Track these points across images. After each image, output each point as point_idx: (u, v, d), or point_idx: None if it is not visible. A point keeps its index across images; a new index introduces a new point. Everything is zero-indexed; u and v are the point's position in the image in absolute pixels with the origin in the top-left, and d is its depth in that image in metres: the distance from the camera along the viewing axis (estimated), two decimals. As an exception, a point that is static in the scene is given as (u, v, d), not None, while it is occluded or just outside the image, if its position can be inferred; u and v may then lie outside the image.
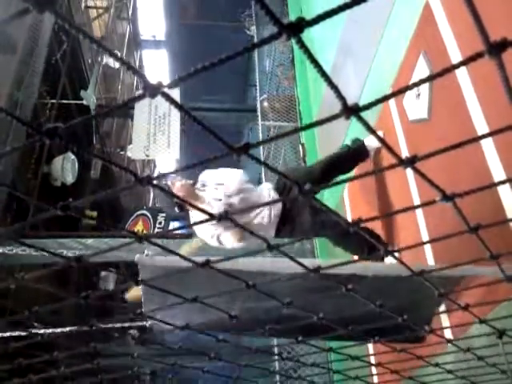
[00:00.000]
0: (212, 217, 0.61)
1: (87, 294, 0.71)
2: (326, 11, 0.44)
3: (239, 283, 0.83)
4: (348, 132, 4.48)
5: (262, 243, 0.69)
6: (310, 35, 5.76)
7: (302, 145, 6.60)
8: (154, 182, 0.53)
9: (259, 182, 4.30)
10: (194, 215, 3.32)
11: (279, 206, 3.29)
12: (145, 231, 7.40)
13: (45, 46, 6.15)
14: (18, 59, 5.68)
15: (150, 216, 7.67)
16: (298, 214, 3.26)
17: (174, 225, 7.44)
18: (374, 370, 1.97)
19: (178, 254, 0.72)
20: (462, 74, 2.65)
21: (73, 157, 6.93)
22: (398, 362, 1.42)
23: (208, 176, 3.36)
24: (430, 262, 2.95)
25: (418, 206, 0.82)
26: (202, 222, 0.61)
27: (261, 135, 7.24)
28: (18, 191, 0.57)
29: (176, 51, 13.77)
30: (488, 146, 2.44)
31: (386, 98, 0.52)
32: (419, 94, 3.14)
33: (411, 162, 0.54)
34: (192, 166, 0.57)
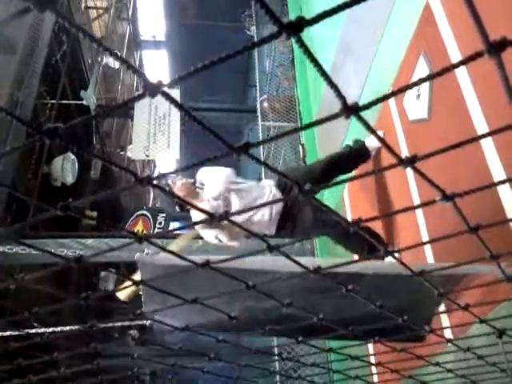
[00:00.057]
0: (211, 216, 0.61)
1: (87, 295, 0.71)
2: (325, 10, 0.44)
3: (239, 283, 0.83)
4: (348, 132, 4.48)
5: (261, 242, 0.69)
6: (309, 34, 5.76)
7: (302, 145, 6.60)
8: (154, 182, 0.52)
9: (259, 180, 4.30)
10: (195, 214, 3.33)
11: (280, 204, 3.29)
12: (145, 231, 7.40)
13: (45, 46, 6.15)
14: (19, 59, 5.68)
15: (150, 216, 7.67)
16: (299, 211, 3.26)
17: (174, 225, 7.44)
18: (374, 369, 1.98)
19: (177, 255, 0.72)
20: (461, 73, 2.65)
21: (73, 157, 6.93)
22: (398, 362, 1.42)
23: (204, 174, 3.36)
24: (430, 261, 2.95)
25: (418, 206, 0.82)
26: (201, 221, 0.61)
27: (261, 135, 7.24)
28: (18, 191, 0.57)
29: (176, 51, 13.78)
30: (488, 145, 2.44)
31: (385, 98, 0.52)
32: (419, 94, 3.14)
33: (411, 161, 0.54)
34: (192, 166, 0.57)
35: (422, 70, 3.11)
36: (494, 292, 2.06)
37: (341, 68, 4.92)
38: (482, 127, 2.50)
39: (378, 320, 1.11)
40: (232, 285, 0.82)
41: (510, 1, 2.39)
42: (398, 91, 0.52)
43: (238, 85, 14.32)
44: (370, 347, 3.32)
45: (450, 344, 1.35)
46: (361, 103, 0.48)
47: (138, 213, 7.85)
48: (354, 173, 3.74)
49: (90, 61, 8.16)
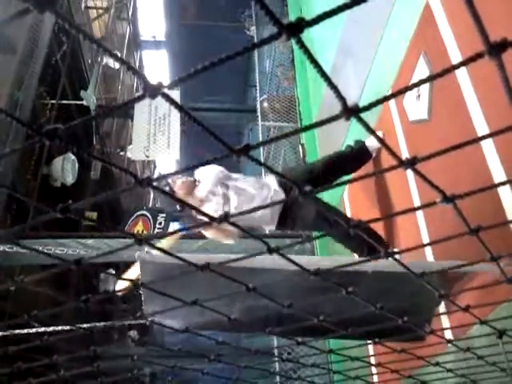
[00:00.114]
0: (212, 219, 0.61)
1: (87, 298, 0.71)
2: (325, 11, 0.44)
3: (239, 284, 0.82)
4: (348, 132, 4.48)
5: (260, 238, 0.69)
6: (309, 35, 5.76)
7: (302, 145, 6.60)
8: (154, 183, 0.52)
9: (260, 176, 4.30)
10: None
11: (282, 197, 3.27)
12: (145, 231, 7.39)
13: (45, 46, 6.15)
14: (19, 59, 5.68)
15: (149, 216, 7.66)
16: (300, 208, 3.26)
17: (174, 225, 7.43)
18: (373, 369, 1.97)
19: (178, 257, 0.72)
20: (462, 74, 2.65)
21: (73, 157, 6.93)
22: (398, 362, 1.42)
23: (200, 172, 3.36)
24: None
25: (418, 208, 0.81)
26: (200, 224, 0.61)
27: (261, 136, 7.25)
28: (18, 192, 0.56)
29: (176, 52, 13.78)
30: (488, 146, 2.43)
31: (386, 99, 0.51)
32: (419, 95, 3.14)
33: (411, 163, 0.54)
34: (192, 167, 0.57)
35: (422, 70, 3.11)
36: (494, 293, 2.06)
37: (341, 69, 4.92)
38: (482, 128, 2.50)
39: (378, 320, 1.10)
40: (233, 284, 0.82)
41: (510, 1, 2.39)
42: (398, 92, 0.52)
43: (238, 85, 14.32)
44: (370, 348, 3.32)
45: (450, 344, 1.35)
46: (361, 104, 0.48)
47: (138, 213, 7.84)
48: (353, 174, 3.74)
49: (89, 61, 8.16)
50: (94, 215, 7.64)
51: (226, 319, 1.02)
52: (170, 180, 3.24)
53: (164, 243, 3.24)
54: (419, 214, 3.16)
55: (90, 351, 0.97)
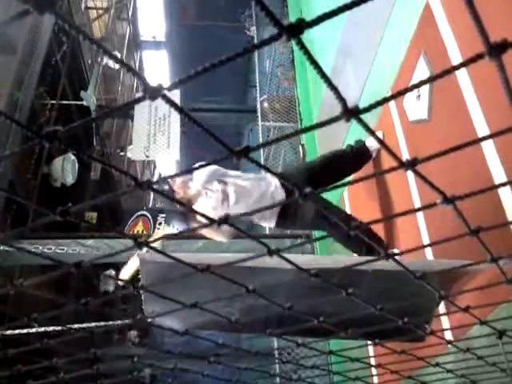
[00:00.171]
0: (212, 221, 0.61)
1: (87, 301, 0.71)
2: (325, 12, 0.44)
3: (240, 284, 0.82)
4: (348, 132, 4.48)
5: (260, 241, 0.69)
6: (309, 36, 5.76)
7: (302, 145, 6.60)
8: (154, 186, 0.52)
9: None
10: (198, 208, 3.32)
11: (282, 195, 3.27)
12: (145, 232, 7.40)
13: (45, 46, 6.15)
14: (19, 60, 5.68)
15: (149, 217, 7.67)
16: (300, 206, 3.25)
17: (173, 226, 7.43)
18: (373, 370, 1.97)
19: (179, 260, 0.72)
20: (462, 74, 2.65)
21: (73, 157, 6.93)
22: (398, 363, 1.42)
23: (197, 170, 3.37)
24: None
25: (418, 210, 0.81)
26: (199, 227, 0.61)
27: (261, 136, 7.25)
28: (18, 192, 0.56)
29: (176, 52, 13.78)
30: (488, 146, 2.43)
31: (386, 100, 0.51)
32: (419, 95, 3.14)
33: (412, 164, 0.54)
34: (192, 169, 0.57)
35: (422, 70, 3.11)
36: (493, 293, 2.06)
37: (341, 70, 4.92)
38: (482, 129, 2.50)
39: (378, 321, 1.10)
40: (233, 284, 0.82)
41: (511, 1, 2.39)
42: (399, 94, 0.51)
43: (238, 85, 14.32)
44: (370, 349, 3.32)
45: (450, 345, 1.35)
46: (361, 105, 0.48)
47: (138, 213, 7.85)
48: (353, 174, 3.74)
49: (89, 61, 8.17)
50: (94, 215, 7.65)
51: (226, 319, 1.02)
52: (169, 180, 3.25)
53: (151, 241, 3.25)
54: (419, 214, 3.15)
55: (90, 353, 0.97)
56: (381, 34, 3.89)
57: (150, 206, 12.34)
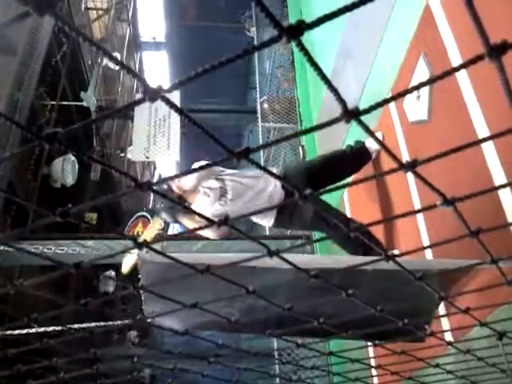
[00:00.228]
0: (212, 222, 0.61)
1: (86, 302, 0.71)
2: (326, 14, 0.44)
3: (240, 285, 0.82)
4: (348, 134, 4.48)
5: (260, 242, 0.69)
6: (310, 38, 5.77)
7: (302, 146, 6.61)
8: (154, 187, 0.52)
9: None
10: (196, 206, 3.32)
11: (280, 195, 3.26)
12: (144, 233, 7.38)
13: (45, 47, 6.15)
14: (19, 61, 5.68)
15: (149, 218, 7.66)
16: (299, 205, 3.24)
17: (174, 227, 7.43)
18: (373, 371, 1.97)
19: (178, 261, 0.72)
20: (462, 76, 2.65)
21: (73, 158, 6.92)
22: (398, 364, 1.42)
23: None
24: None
25: (418, 211, 0.81)
26: (197, 228, 0.61)
27: (261, 137, 7.25)
28: (18, 193, 0.56)
29: (176, 53, 13.78)
30: (488, 148, 2.43)
31: (386, 102, 0.51)
32: (419, 96, 3.14)
33: (412, 166, 0.54)
34: (192, 170, 0.57)
35: (421, 71, 3.11)
36: (493, 295, 2.06)
37: (341, 71, 4.92)
38: (482, 130, 2.50)
39: (378, 322, 1.10)
40: (233, 285, 0.82)
41: (511, 3, 2.39)
42: (399, 95, 0.52)
43: (238, 86, 14.32)
44: (370, 350, 3.32)
45: (450, 346, 1.35)
46: (361, 106, 0.48)
47: (138, 214, 7.84)
48: (353, 176, 3.74)
49: (89, 62, 8.17)
50: (94, 216, 7.64)
51: (226, 319, 1.02)
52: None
53: (143, 237, 3.25)
54: (419, 216, 3.15)
55: (90, 353, 0.97)
56: (381, 35, 3.89)
57: (150, 207, 12.33)
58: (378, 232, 3.58)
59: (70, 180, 6.95)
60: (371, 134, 0.54)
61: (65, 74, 7.06)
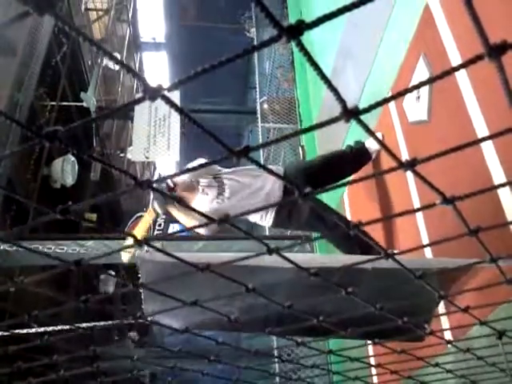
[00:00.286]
0: (212, 220, 0.61)
1: (87, 298, 0.71)
2: (325, 14, 0.44)
3: (240, 283, 0.83)
4: (348, 134, 4.48)
5: (260, 240, 0.69)
6: (309, 38, 5.77)
7: (302, 147, 6.60)
8: (154, 185, 0.53)
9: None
10: (195, 204, 3.31)
11: (278, 195, 3.25)
12: (144, 233, 7.38)
13: (44, 48, 6.15)
14: (19, 61, 5.68)
15: (149, 218, 7.65)
16: (296, 205, 3.24)
17: (173, 227, 7.43)
18: (373, 370, 1.97)
19: (178, 258, 0.72)
20: (461, 75, 2.65)
21: (73, 158, 6.92)
22: (397, 363, 1.42)
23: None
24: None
25: (417, 210, 0.82)
26: (197, 226, 0.61)
27: (260, 137, 7.25)
28: (17, 193, 0.57)
29: (176, 53, 13.77)
30: (488, 147, 2.44)
31: (386, 101, 0.52)
32: (419, 96, 3.15)
33: (411, 165, 0.54)
34: (192, 169, 0.57)
35: (421, 71, 3.11)
36: (493, 294, 2.06)
37: (341, 71, 4.92)
38: (482, 130, 2.50)
39: (378, 320, 1.11)
40: (233, 283, 0.83)
41: (510, 2, 2.39)
42: (398, 95, 0.52)
43: (237, 87, 14.32)
44: (370, 348, 3.32)
45: (449, 345, 1.35)
46: (361, 106, 0.48)
47: (138, 214, 7.83)
48: (353, 175, 3.74)
49: (89, 62, 8.16)
50: (94, 217, 7.65)
51: (226, 318, 1.03)
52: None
53: (136, 231, 3.26)
54: (419, 215, 3.16)
55: (90, 351, 0.97)
56: (381, 35, 3.89)
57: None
58: (378, 231, 3.58)
59: (69, 180, 6.95)
60: (371, 133, 0.54)
61: (65, 74, 7.06)
